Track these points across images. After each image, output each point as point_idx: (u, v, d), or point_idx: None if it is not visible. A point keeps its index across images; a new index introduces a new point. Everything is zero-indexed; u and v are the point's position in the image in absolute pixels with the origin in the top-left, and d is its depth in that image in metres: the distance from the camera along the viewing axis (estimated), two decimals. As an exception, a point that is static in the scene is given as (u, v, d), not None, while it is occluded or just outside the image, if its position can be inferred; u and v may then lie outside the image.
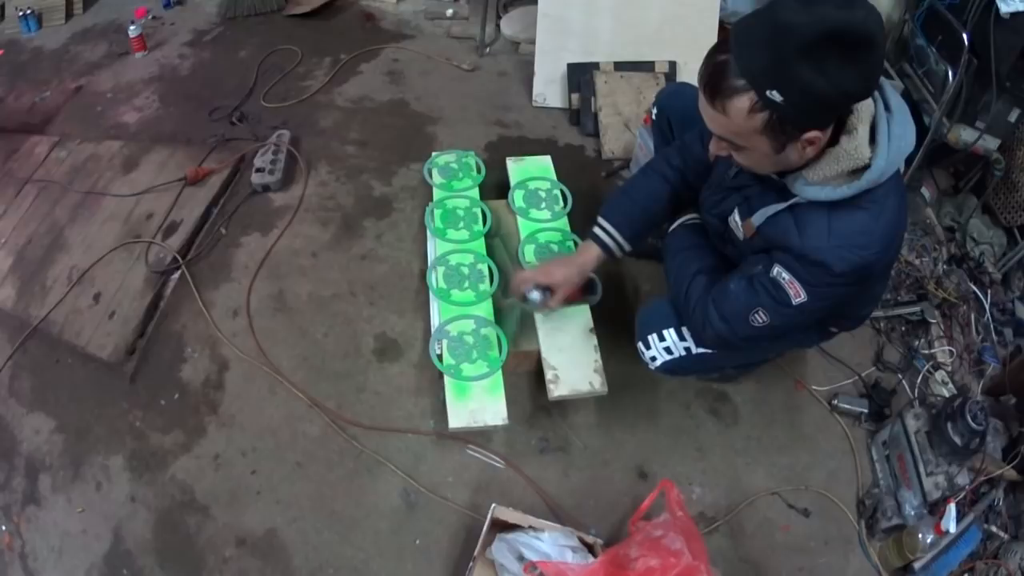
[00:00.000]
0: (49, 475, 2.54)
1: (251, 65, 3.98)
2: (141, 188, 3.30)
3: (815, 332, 2.42)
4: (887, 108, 1.73)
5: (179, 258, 3.02)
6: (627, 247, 2.41)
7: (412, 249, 3.13)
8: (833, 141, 1.72)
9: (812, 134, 1.65)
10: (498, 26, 4.14)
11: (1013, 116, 3.08)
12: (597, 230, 2.41)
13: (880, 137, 1.70)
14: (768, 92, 1.55)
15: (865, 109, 1.71)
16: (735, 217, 2.06)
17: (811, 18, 1.45)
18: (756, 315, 1.97)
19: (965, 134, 3.17)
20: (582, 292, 2.59)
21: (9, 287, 3.11)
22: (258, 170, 3.31)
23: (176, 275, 3.01)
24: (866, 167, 1.70)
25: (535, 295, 2.42)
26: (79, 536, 2.43)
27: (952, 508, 2.32)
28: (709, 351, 2.23)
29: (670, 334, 2.26)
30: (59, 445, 2.60)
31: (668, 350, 2.27)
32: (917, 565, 2.36)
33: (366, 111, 3.77)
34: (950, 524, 2.30)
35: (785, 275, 1.86)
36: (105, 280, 3.02)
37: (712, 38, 3.60)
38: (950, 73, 3.03)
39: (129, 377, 2.73)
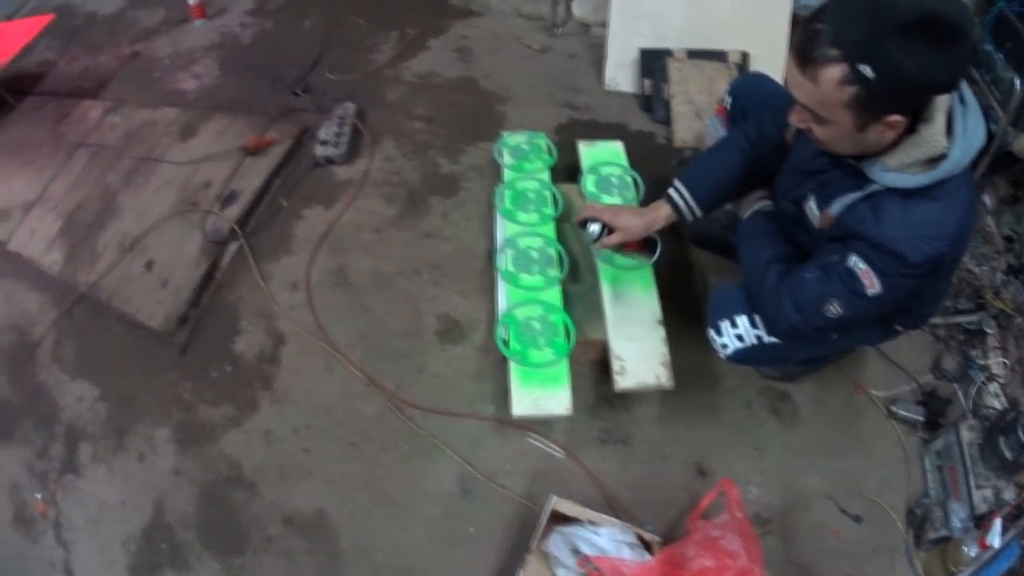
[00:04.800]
0: (90, 444, 2.49)
1: (315, 36, 3.92)
2: (199, 156, 3.25)
3: (880, 329, 2.38)
4: (962, 102, 1.75)
5: (237, 229, 2.97)
6: (698, 211, 2.41)
7: (479, 229, 3.04)
8: (911, 130, 1.74)
9: (894, 117, 1.67)
10: (569, 7, 4.05)
11: None
12: (671, 191, 2.42)
13: (956, 128, 1.73)
14: (860, 65, 1.58)
15: (942, 100, 1.73)
16: (811, 204, 2.05)
17: (913, 0, 1.51)
18: (830, 305, 1.97)
19: (1030, 144, 3.09)
20: (642, 247, 2.54)
21: (57, 251, 3.09)
22: (322, 142, 3.24)
23: (234, 246, 2.95)
24: (942, 157, 1.72)
25: (594, 228, 2.42)
26: (118, 507, 2.39)
27: (998, 523, 2.25)
28: (779, 341, 2.19)
29: (743, 321, 2.22)
30: (102, 414, 2.55)
31: (740, 337, 2.22)
32: None
33: (433, 87, 3.69)
34: (995, 539, 2.23)
35: (861, 265, 1.85)
36: (159, 248, 2.97)
37: (785, 30, 3.56)
38: (1017, 81, 2.94)
39: (180, 348, 2.68)
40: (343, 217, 3.05)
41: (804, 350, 2.43)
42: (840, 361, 2.79)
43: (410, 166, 3.27)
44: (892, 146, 1.77)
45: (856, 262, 1.87)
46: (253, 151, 3.23)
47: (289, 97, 3.56)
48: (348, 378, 2.58)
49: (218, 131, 3.38)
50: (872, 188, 1.84)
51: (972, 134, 1.73)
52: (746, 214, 2.40)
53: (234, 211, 3.04)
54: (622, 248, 2.54)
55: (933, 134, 1.71)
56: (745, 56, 3.61)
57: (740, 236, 2.39)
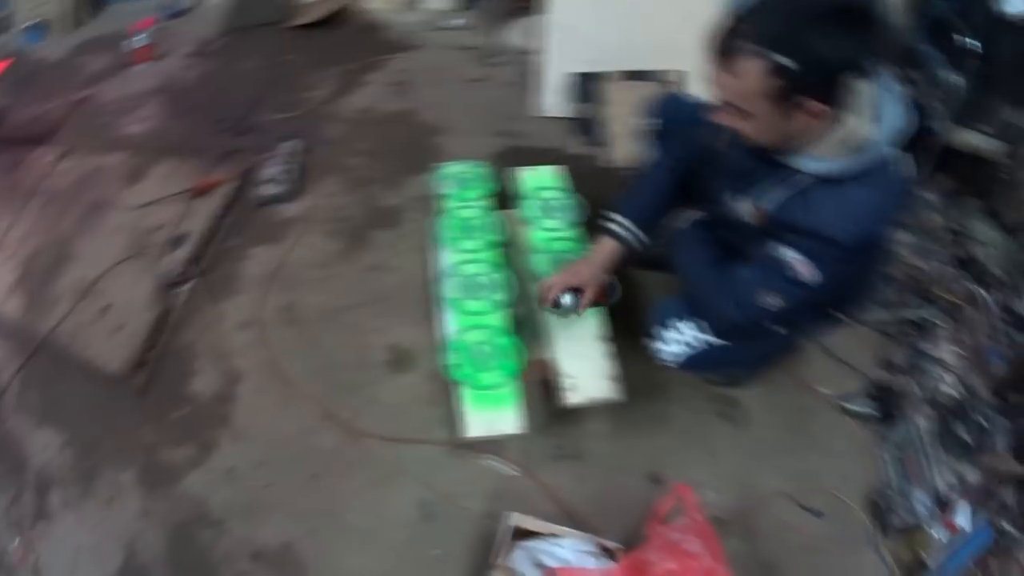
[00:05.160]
0: (60, 490, 2.51)
1: (256, 76, 3.96)
2: (148, 200, 3.27)
3: (822, 319, 2.43)
4: (885, 90, 1.83)
5: (188, 270, 3.00)
6: (641, 236, 2.44)
7: (422, 259, 3.09)
8: (835, 119, 1.80)
9: (816, 105, 1.73)
10: (503, 36, 4.12)
11: (1021, 120, 3.11)
12: (609, 224, 2.46)
13: (878, 113, 1.81)
14: (778, 56, 1.65)
15: (865, 90, 1.80)
16: (743, 203, 2.10)
17: None
18: (769, 298, 2.01)
19: (971, 138, 3.20)
20: (604, 294, 2.58)
21: (16, 299, 3.09)
22: (266, 181, 3.29)
23: (186, 287, 2.99)
24: (866, 142, 1.79)
25: (567, 299, 2.43)
26: (92, 551, 2.41)
27: (965, 505, 2.35)
28: (726, 343, 2.26)
29: (688, 328, 2.29)
30: (69, 460, 2.57)
31: (688, 344, 2.30)
32: (931, 563, 2.37)
33: (373, 122, 3.75)
34: (963, 521, 2.33)
35: (796, 255, 1.90)
36: (114, 293, 2.99)
37: None
38: (957, 79, 3.07)
39: (139, 391, 2.70)
40: (290, 255, 3.08)
41: (752, 348, 2.48)
42: (786, 362, 2.85)
43: (353, 201, 3.32)
44: (818, 136, 1.84)
45: (789, 253, 1.92)
46: (200, 193, 3.26)
47: (232, 138, 3.58)
48: (304, 412, 2.62)
49: (165, 174, 3.40)
50: (802, 181, 1.90)
51: (892, 119, 1.82)
52: (681, 225, 2.47)
53: (184, 253, 3.07)
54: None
55: (854, 121, 1.79)
56: (681, 75, 3.68)
57: (677, 247, 2.45)
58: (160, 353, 2.81)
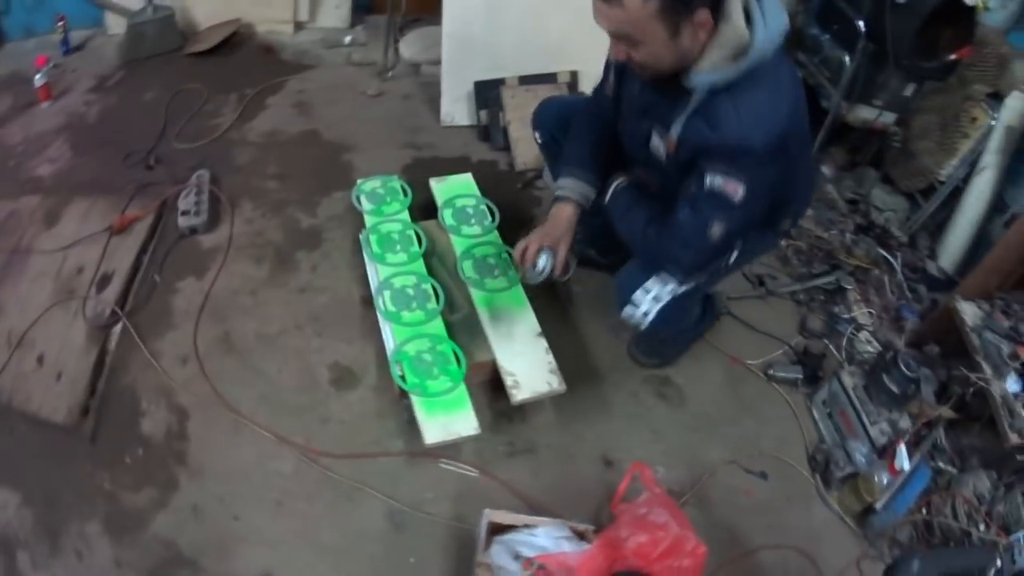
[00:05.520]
0: (27, 551, 2.41)
1: (159, 107, 3.86)
2: (67, 242, 3.18)
3: (769, 231, 2.58)
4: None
5: (118, 310, 2.93)
6: (592, 192, 2.56)
7: (349, 276, 3.13)
8: (719, 28, 1.90)
9: (701, 15, 1.85)
10: (397, 50, 4.14)
11: (908, 91, 3.33)
12: (560, 191, 2.55)
13: (755, 17, 1.90)
14: None
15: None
16: (655, 139, 2.21)
17: None
18: (711, 230, 2.13)
19: (863, 112, 3.38)
20: (564, 268, 2.63)
21: None
22: (183, 213, 3.23)
23: (117, 328, 2.92)
24: (749, 47, 1.89)
25: (544, 260, 2.50)
26: None
27: (902, 447, 2.52)
28: (690, 287, 2.42)
29: (653, 284, 2.41)
30: (30, 519, 2.47)
31: (656, 298, 2.42)
32: (878, 506, 2.53)
33: (280, 144, 3.72)
34: (903, 462, 2.50)
35: (718, 179, 2.02)
36: (46, 341, 2.89)
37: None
38: (847, 58, 3.24)
39: (89, 438, 2.63)
40: (217, 284, 3.06)
41: (713, 280, 2.61)
42: (710, 337, 3.04)
43: (272, 225, 3.31)
44: (707, 49, 1.91)
45: (712, 179, 2.03)
46: (119, 230, 3.18)
47: (143, 171, 3.50)
48: (258, 440, 2.61)
49: (81, 214, 3.30)
50: (698, 100, 1.98)
51: (771, 19, 1.90)
52: (607, 198, 2.53)
53: (111, 293, 2.99)
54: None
55: (733, 27, 1.87)
56: (574, 75, 3.79)
57: (613, 217, 2.52)
58: (103, 398, 2.74)
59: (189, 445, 2.62)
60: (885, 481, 2.53)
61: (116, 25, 4.10)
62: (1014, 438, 2.50)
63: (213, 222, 3.29)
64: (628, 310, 2.47)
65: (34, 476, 2.58)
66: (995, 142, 3.22)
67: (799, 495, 2.68)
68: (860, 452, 2.64)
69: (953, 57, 3.21)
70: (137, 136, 3.69)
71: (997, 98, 3.30)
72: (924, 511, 2.58)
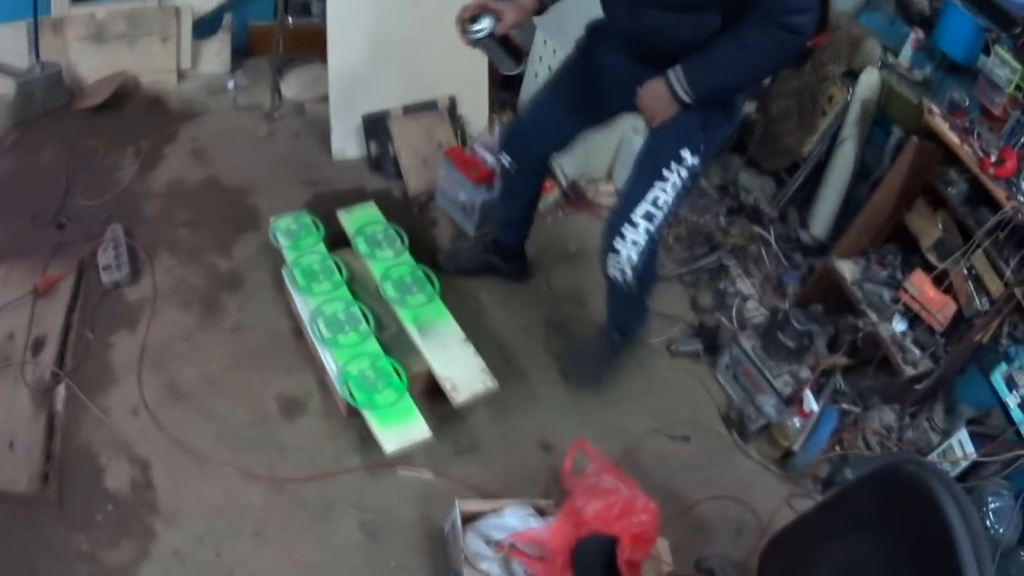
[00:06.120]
0: None
1: (58, 165, 3.82)
2: None
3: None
4: None
5: (58, 372, 2.94)
6: None
7: (276, 311, 3.25)
8: None
9: None
10: (279, 91, 4.21)
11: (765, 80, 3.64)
12: None
13: None
14: None
15: None
16: None
17: None
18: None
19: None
20: (518, 53, 2.62)
21: None
22: (105, 268, 3.25)
23: (61, 389, 2.92)
24: None
25: (486, 23, 2.42)
26: None
27: (808, 392, 2.87)
28: (661, 219, 2.60)
29: (631, 230, 2.61)
30: None
31: (635, 243, 2.62)
32: (796, 447, 2.86)
33: (184, 193, 3.76)
34: (811, 404, 2.85)
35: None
36: None
37: (483, 70, 4.06)
38: None
39: (56, 503, 2.64)
40: (150, 334, 3.10)
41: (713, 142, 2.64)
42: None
43: (191, 271, 3.36)
44: None
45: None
46: (44, 292, 3.18)
47: (55, 231, 3.48)
48: (223, 477, 2.70)
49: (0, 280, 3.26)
50: None
51: None
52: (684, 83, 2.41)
53: (48, 356, 2.99)
54: (504, 43, 2.54)
55: None
56: (453, 99, 4.00)
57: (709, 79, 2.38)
58: (60, 461, 2.75)
59: (157, 493, 2.67)
60: (798, 424, 2.85)
61: (1, 86, 4.02)
62: (909, 370, 2.86)
63: (135, 274, 3.32)
64: (612, 257, 2.68)
65: (7, 551, 2.55)
66: (853, 115, 3.56)
67: (722, 451, 3.01)
68: (769, 404, 2.95)
69: (809, 45, 3.51)
70: (41, 196, 3.66)
71: (852, 75, 3.63)
72: (838, 448, 2.89)
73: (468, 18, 2.44)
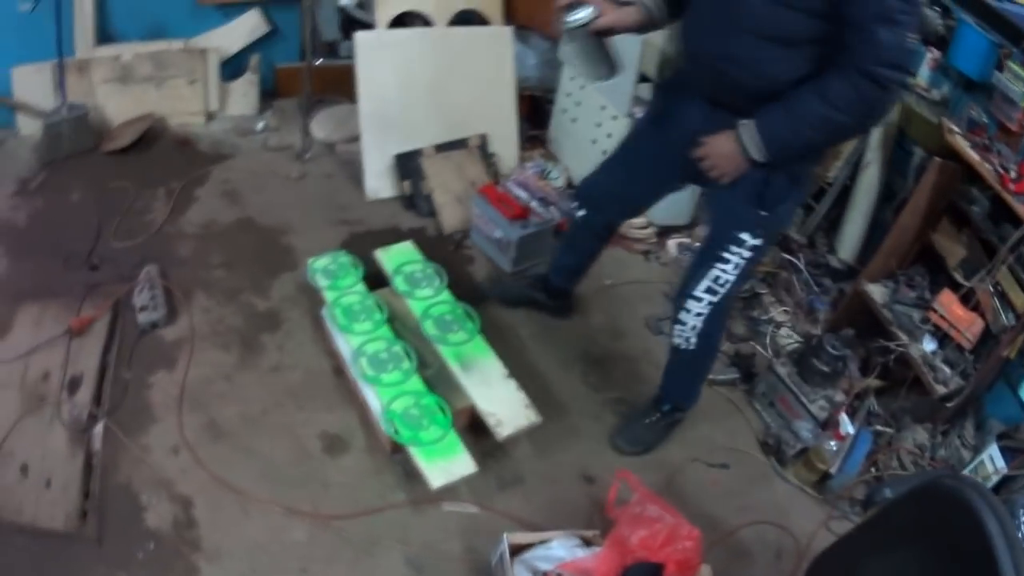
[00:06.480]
0: None
1: (88, 207, 3.81)
2: (24, 349, 3.12)
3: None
4: None
5: (96, 411, 2.92)
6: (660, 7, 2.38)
7: (315, 350, 3.22)
8: None
9: None
10: (308, 131, 4.22)
11: None
12: None
13: None
14: None
15: None
16: None
17: None
18: (909, 36, 1.98)
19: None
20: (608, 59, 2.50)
21: None
22: (142, 309, 3.23)
23: (98, 428, 2.89)
24: None
25: (586, 12, 2.29)
26: None
27: (843, 415, 2.88)
28: (729, 288, 2.58)
29: (701, 290, 2.60)
30: None
31: (699, 314, 2.64)
32: (832, 470, 2.85)
33: (218, 234, 3.75)
34: (847, 427, 2.86)
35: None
36: (25, 450, 2.82)
37: (512, 107, 4.09)
38: None
39: (95, 540, 2.60)
40: (189, 374, 3.08)
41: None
42: (650, 358, 3.37)
43: (229, 312, 3.35)
44: None
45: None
46: (78, 332, 3.15)
47: (88, 272, 3.46)
48: (267, 514, 2.65)
49: (33, 321, 3.23)
50: None
51: None
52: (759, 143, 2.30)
53: (84, 395, 2.95)
54: (598, 43, 2.42)
55: None
56: (483, 137, 4.03)
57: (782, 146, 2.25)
58: (99, 499, 2.70)
59: (200, 531, 2.63)
60: (834, 447, 2.86)
61: (27, 126, 4.01)
62: (940, 389, 2.86)
63: (171, 315, 3.30)
64: (677, 328, 2.71)
65: (46, 589, 2.45)
66: (875, 139, 3.55)
67: (760, 477, 3.00)
68: (805, 429, 2.96)
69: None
70: (72, 238, 3.64)
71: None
72: (873, 469, 2.90)
73: (566, 5, 2.30)
